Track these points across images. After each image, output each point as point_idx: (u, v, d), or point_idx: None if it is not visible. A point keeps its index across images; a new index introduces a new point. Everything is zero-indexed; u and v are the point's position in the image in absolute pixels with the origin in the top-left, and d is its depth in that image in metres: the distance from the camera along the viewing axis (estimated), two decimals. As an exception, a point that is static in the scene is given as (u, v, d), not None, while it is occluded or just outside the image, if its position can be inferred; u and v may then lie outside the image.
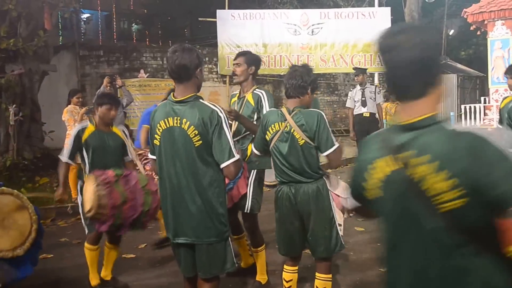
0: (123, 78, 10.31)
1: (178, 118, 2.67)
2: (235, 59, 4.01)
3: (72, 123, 6.98)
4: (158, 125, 2.74)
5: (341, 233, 3.30)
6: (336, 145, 3.14)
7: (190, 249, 2.79)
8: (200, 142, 2.64)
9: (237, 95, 4.10)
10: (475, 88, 20.06)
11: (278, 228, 3.33)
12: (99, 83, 8.10)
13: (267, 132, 3.24)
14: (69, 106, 7.31)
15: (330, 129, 3.17)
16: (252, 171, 3.91)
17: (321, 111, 3.23)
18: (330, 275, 3.34)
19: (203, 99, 2.77)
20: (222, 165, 2.67)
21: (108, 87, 7.71)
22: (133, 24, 19.27)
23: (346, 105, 8.63)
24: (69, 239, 5.81)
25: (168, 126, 2.70)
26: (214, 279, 2.84)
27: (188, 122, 2.64)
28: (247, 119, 3.82)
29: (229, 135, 2.68)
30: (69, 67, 10.66)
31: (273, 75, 13.74)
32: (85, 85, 10.73)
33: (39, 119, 9.23)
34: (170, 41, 17.90)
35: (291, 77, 3.22)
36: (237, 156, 2.71)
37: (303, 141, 3.11)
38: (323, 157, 3.20)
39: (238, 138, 3.88)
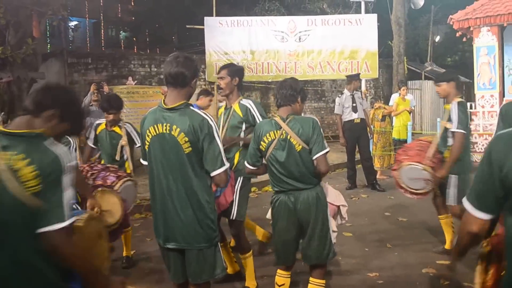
0: (111, 85, 10.30)
1: (168, 124, 2.70)
2: (218, 72, 4.09)
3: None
4: (148, 131, 2.77)
5: (334, 240, 3.37)
6: (327, 149, 3.22)
7: (180, 254, 2.81)
8: (190, 149, 2.68)
9: (224, 106, 4.16)
10: (462, 94, 20.28)
11: (277, 239, 3.38)
12: (87, 90, 8.08)
13: (262, 142, 3.29)
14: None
15: (323, 134, 3.28)
16: (239, 178, 3.97)
17: (315, 117, 3.35)
18: (324, 281, 3.39)
19: (193, 107, 2.82)
20: (213, 173, 2.72)
21: (95, 94, 7.71)
22: (121, 32, 19.25)
23: (335, 112, 8.65)
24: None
25: (157, 132, 2.73)
26: (205, 285, 2.86)
27: (178, 129, 2.68)
28: (247, 139, 3.90)
29: (219, 143, 2.73)
30: (57, 74, 10.60)
31: (261, 82, 13.80)
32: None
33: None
34: (158, 49, 17.92)
35: (281, 87, 3.35)
36: (227, 165, 2.77)
37: (300, 146, 3.18)
38: None
39: (225, 146, 3.91)
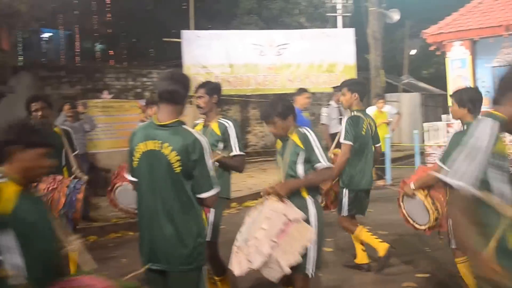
0: (86, 99, 10.04)
1: (160, 142, 2.65)
2: (196, 91, 4.05)
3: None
4: (137, 147, 2.72)
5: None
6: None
7: (162, 276, 2.71)
8: (180, 168, 2.63)
9: (202, 123, 4.13)
10: (438, 106, 20.65)
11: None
12: (60, 104, 7.82)
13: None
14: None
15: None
16: None
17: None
18: None
19: (186, 125, 2.77)
20: (203, 196, 2.69)
21: (70, 114, 7.41)
22: (97, 44, 18.97)
23: (322, 122, 8.58)
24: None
25: (147, 149, 2.68)
26: None
27: (170, 147, 2.63)
28: (230, 160, 3.91)
29: (210, 165, 2.70)
30: (28, 88, 10.26)
31: (240, 96, 13.72)
32: (45, 107, 10.37)
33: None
34: (135, 62, 17.71)
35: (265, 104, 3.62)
36: (217, 187, 2.74)
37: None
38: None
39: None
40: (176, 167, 2.62)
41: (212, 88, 4.03)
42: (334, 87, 8.74)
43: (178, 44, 11.62)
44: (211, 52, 11.33)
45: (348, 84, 4.82)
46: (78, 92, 10.70)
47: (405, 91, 19.73)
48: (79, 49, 17.65)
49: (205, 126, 4.02)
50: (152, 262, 2.70)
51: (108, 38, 18.07)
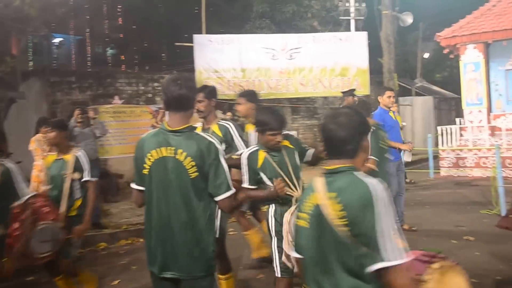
0: (97, 105, 9.96)
1: (173, 148, 2.61)
2: None
3: (40, 152, 6.63)
4: (149, 154, 2.64)
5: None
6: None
7: (175, 285, 2.66)
8: (197, 173, 2.59)
9: (200, 127, 4.11)
10: (451, 109, 20.38)
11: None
12: (70, 110, 7.72)
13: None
14: (37, 135, 6.95)
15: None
16: None
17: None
18: None
19: (197, 130, 2.73)
20: (218, 198, 2.64)
21: (80, 116, 7.32)
22: (108, 49, 19.00)
23: None
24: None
25: (160, 156, 2.62)
26: None
27: (184, 153, 2.59)
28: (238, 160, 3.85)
29: (226, 168, 2.66)
30: (38, 93, 10.22)
31: (252, 100, 13.60)
32: (55, 113, 10.29)
33: (5, 150, 8.77)
34: (147, 67, 17.67)
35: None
36: (233, 190, 2.67)
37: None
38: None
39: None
40: (191, 173, 2.58)
41: (210, 91, 4.09)
42: (343, 92, 8.57)
43: (190, 49, 11.55)
44: (223, 56, 11.25)
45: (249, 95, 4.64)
46: (89, 98, 10.63)
47: (418, 94, 19.49)
48: (90, 54, 17.67)
49: (205, 129, 4.02)
50: (165, 271, 2.62)
51: (119, 43, 18.06)
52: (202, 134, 2.70)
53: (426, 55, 24.42)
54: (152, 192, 2.64)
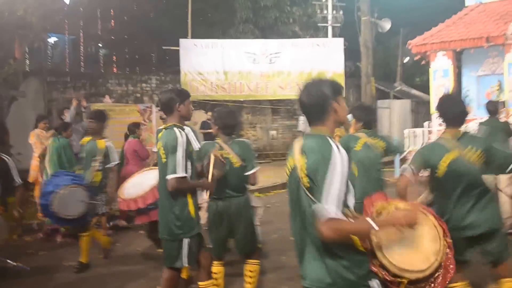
0: (89, 103, 10.73)
1: (159, 142, 3.46)
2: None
3: (39, 145, 7.36)
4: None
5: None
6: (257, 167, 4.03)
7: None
8: (165, 159, 3.40)
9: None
10: (429, 112, 21.05)
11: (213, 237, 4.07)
12: (65, 107, 8.43)
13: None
14: (36, 129, 7.68)
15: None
16: None
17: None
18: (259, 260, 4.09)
19: (180, 127, 3.44)
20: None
21: (77, 109, 8.05)
22: (100, 50, 19.64)
23: (299, 129, 9.22)
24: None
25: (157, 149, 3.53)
26: (172, 270, 3.49)
27: (161, 145, 3.44)
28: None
29: (179, 156, 3.34)
30: (36, 92, 10.99)
31: (234, 101, 14.39)
32: (51, 110, 11.07)
33: (7, 142, 9.50)
34: (137, 68, 18.37)
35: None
36: (179, 174, 3.33)
37: (238, 164, 3.92)
38: None
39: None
40: (163, 158, 3.43)
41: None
42: None
43: (177, 52, 12.29)
44: (207, 60, 11.99)
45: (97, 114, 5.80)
46: (82, 96, 11.40)
47: (396, 98, 20.25)
48: (83, 53, 18.36)
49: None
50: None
51: (111, 44, 18.71)
52: (174, 129, 3.41)
53: (406, 60, 25.23)
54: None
